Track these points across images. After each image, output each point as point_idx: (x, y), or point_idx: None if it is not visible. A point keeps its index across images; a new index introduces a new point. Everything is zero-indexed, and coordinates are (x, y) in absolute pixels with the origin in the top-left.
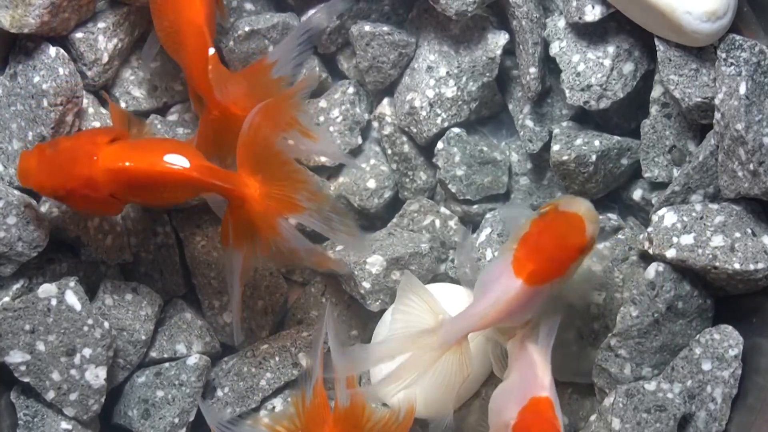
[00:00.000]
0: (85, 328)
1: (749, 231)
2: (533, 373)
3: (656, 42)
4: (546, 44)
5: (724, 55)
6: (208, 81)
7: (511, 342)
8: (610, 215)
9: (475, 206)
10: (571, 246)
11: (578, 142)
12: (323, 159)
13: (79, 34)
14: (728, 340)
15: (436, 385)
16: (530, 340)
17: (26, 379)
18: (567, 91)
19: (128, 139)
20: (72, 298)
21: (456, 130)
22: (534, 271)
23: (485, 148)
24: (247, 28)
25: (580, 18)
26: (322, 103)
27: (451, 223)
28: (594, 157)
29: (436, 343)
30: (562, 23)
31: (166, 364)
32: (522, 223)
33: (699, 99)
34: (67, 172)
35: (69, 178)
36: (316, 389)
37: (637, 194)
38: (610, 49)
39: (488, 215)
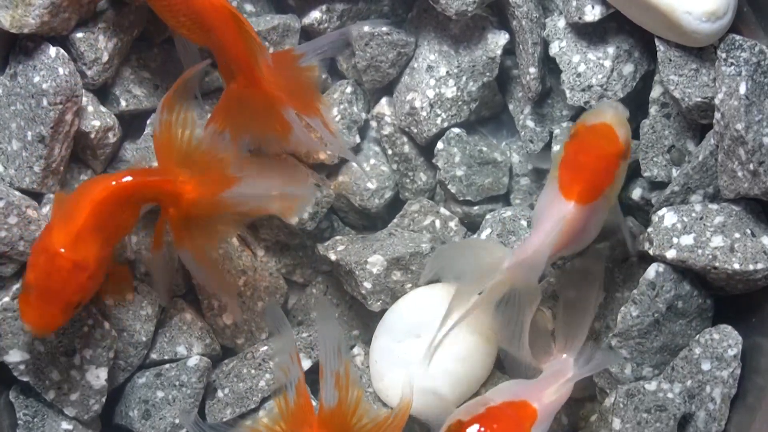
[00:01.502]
0: (85, 329)
1: (749, 231)
2: (546, 387)
3: (656, 42)
4: (546, 44)
5: (724, 55)
6: (246, 54)
7: (552, 362)
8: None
9: (476, 207)
10: (609, 156)
11: None
12: (322, 157)
13: (79, 34)
14: (728, 340)
15: (507, 322)
16: (565, 364)
17: (25, 378)
18: (567, 92)
19: None
20: None
21: (456, 130)
22: (582, 190)
23: (485, 149)
24: None
25: (580, 18)
26: None
27: (452, 224)
28: None
29: (506, 278)
30: (561, 23)
31: (167, 366)
32: (556, 152)
33: (699, 99)
34: None
35: None
36: (298, 389)
37: (636, 194)
38: (611, 50)
39: (488, 216)
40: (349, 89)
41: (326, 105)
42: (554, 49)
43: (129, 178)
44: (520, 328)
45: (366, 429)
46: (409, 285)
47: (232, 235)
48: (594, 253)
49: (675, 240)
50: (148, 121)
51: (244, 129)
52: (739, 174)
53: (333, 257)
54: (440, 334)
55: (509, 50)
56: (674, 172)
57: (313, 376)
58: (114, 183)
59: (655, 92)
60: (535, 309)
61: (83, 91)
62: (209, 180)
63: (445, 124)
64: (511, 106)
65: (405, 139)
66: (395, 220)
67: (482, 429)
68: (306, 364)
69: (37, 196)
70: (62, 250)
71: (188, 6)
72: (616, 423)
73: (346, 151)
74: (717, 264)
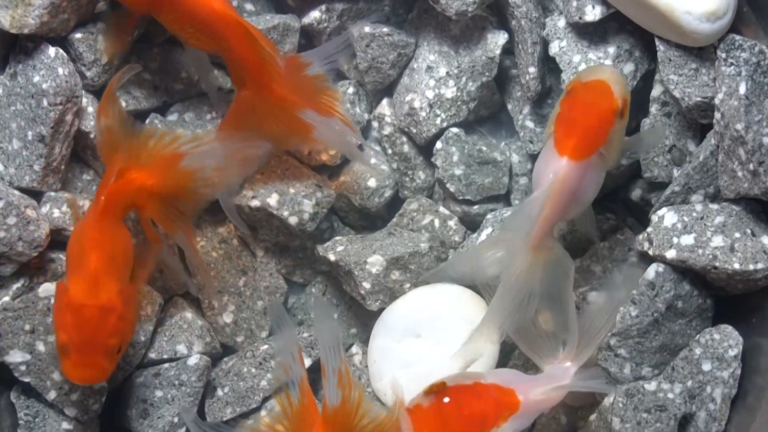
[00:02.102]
0: None
1: (749, 231)
2: (538, 385)
3: (656, 42)
4: (545, 44)
5: (724, 55)
6: (256, 61)
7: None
8: (609, 215)
9: (476, 207)
10: (603, 112)
11: None
12: (324, 158)
13: (78, 35)
14: (728, 340)
15: (550, 299)
16: (565, 372)
17: (27, 379)
18: None
19: None
20: None
21: (455, 129)
22: (576, 146)
23: (484, 148)
24: None
25: (580, 18)
26: None
27: (451, 222)
28: None
29: (532, 254)
30: (561, 23)
31: (166, 365)
32: (554, 110)
33: (699, 99)
34: None
35: None
36: (302, 388)
37: (636, 194)
38: (611, 50)
39: (489, 215)
40: (350, 90)
41: (340, 101)
42: (554, 48)
43: (102, 198)
44: (566, 300)
45: (368, 429)
46: (408, 285)
47: (209, 198)
48: (624, 283)
49: (675, 240)
50: (147, 121)
51: (258, 134)
52: (739, 174)
53: (332, 258)
54: (490, 332)
55: (508, 50)
56: (675, 173)
57: (312, 375)
58: (96, 212)
59: (656, 91)
60: (572, 276)
61: (83, 92)
62: (161, 160)
63: (445, 124)
64: (509, 106)
65: (404, 139)
66: (394, 220)
67: (460, 399)
68: (306, 363)
69: (36, 195)
70: (84, 300)
71: (195, 17)
72: (616, 423)
73: (361, 156)
74: (717, 264)
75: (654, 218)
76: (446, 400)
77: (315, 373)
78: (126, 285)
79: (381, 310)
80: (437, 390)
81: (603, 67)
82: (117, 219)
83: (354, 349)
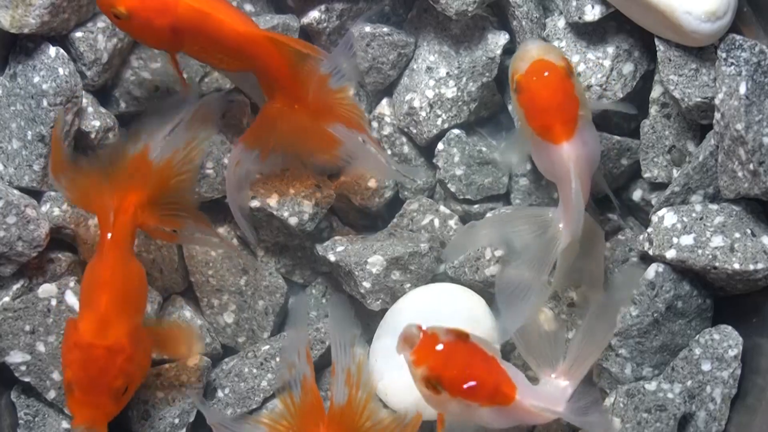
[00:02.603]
0: None
1: (749, 231)
2: (535, 399)
3: (656, 42)
4: None
5: (724, 55)
6: (290, 75)
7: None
8: (610, 215)
9: (476, 206)
10: (560, 83)
11: None
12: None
13: (78, 34)
14: (728, 340)
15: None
16: (561, 395)
17: (27, 379)
18: None
19: None
20: (72, 299)
21: (456, 131)
22: (563, 128)
23: (484, 149)
24: None
25: (579, 18)
26: None
27: (451, 222)
28: None
29: (569, 238)
30: (561, 23)
31: (166, 365)
32: (518, 113)
33: (699, 99)
34: None
35: None
36: (305, 386)
37: (636, 195)
38: (610, 50)
39: (489, 214)
40: (351, 91)
41: (366, 121)
42: None
43: (109, 235)
44: (599, 269)
45: (375, 430)
46: (408, 285)
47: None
48: (624, 285)
49: (675, 240)
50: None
51: (282, 148)
52: (739, 174)
53: (332, 258)
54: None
55: (509, 50)
56: (675, 173)
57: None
58: (105, 249)
59: (656, 92)
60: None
61: (83, 92)
62: (130, 173)
63: (446, 125)
64: (510, 107)
65: (404, 139)
66: (394, 220)
67: (471, 359)
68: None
69: (36, 194)
70: (92, 340)
71: (221, 44)
72: (616, 423)
73: (393, 172)
74: (717, 264)
75: (654, 218)
76: (460, 349)
77: (319, 371)
78: (138, 324)
79: (383, 310)
80: (459, 335)
81: (527, 47)
82: (127, 251)
83: (356, 350)
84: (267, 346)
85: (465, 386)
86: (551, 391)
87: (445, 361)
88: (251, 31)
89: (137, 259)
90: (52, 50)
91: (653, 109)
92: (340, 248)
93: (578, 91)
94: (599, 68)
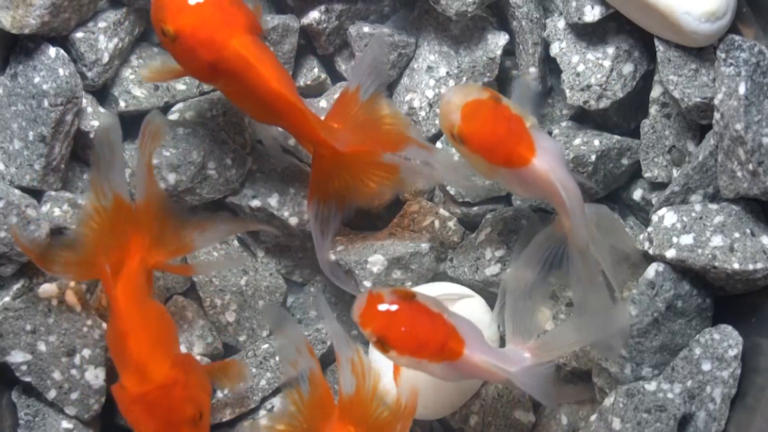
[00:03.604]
0: (85, 329)
1: (748, 231)
2: (488, 355)
3: (656, 42)
4: (546, 45)
5: (723, 56)
6: (315, 132)
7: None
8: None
9: (475, 208)
10: (495, 113)
11: (577, 141)
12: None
13: (79, 34)
14: (728, 340)
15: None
16: (519, 361)
17: (27, 379)
18: (567, 91)
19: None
20: (72, 299)
21: None
22: (522, 151)
23: None
24: None
25: (579, 18)
26: (322, 103)
27: (450, 223)
28: (593, 157)
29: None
30: (561, 24)
31: None
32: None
33: (698, 99)
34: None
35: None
36: (314, 380)
37: (637, 194)
38: (610, 50)
39: (488, 215)
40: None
41: (407, 123)
42: (555, 49)
43: (119, 288)
44: (629, 241)
45: (384, 416)
46: (409, 283)
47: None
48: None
49: (675, 240)
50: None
51: (348, 194)
52: (739, 174)
53: (332, 257)
54: None
55: (509, 51)
56: (675, 173)
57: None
58: (119, 301)
59: (655, 92)
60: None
61: (83, 92)
62: (115, 224)
63: None
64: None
65: None
66: (395, 220)
67: (415, 317)
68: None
69: (37, 194)
70: (142, 389)
71: (253, 93)
72: (616, 423)
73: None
74: (717, 264)
75: (654, 218)
76: (405, 308)
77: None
78: (177, 354)
79: None
80: (405, 295)
81: (448, 100)
82: (141, 297)
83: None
84: (266, 345)
85: (410, 345)
86: (509, 354)
87: (389, 322)
88: (283, 94)
89: (154, 300)
90: (53, 51)
91: (653, 109)
92: (340, 247)
93: (514, 108)
94: (599, 68)
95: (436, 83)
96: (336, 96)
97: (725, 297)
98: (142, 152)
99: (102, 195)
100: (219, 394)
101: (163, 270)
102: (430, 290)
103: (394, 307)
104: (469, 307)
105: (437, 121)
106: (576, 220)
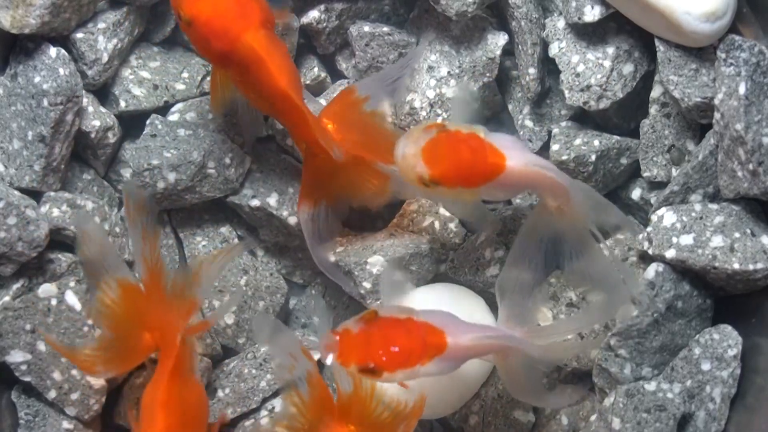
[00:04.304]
0: (85, 329)
1: (748, 231)
2: (471, 332)
3: (656, 42)
4: (545, 45)
5: (723, 56)
6: (310, 132)
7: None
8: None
9: None
10: (454, 145)
11: (577, 141)
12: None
13: (79, 34)
14: (727, 340)
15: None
16: (508, 338)
17: (27, 379)
18: (566, 92)
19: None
20: (72, 299)
21: None
22: (488, 167)
23: None
24: None
25: (579, 18)
26: (322, 101)
27: (451, 225)
28: (593, 157)
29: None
30: (561, 24)
31: None
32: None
33: (698, 99)
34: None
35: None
36: (311, 381)
37: (636, 194)
38: (610, 50)
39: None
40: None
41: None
42: (554, 50)
43: (168, 364)
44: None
45: (384, 416)
46: (408, 285)
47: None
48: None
49: (674, 240)
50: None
51: (338, 197)
52: (739, 174)
53: (332, 258)
54: None
55: (509, 51)
56: (674, 172)
57: None
58: (165, 374)
59: (655, 92)
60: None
61: (83, 92)
62: (139, 305)
63: None
64: (510, 107)
65: None
66: (394, 221)
67: (388, 332)
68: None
69: (36, 195)
70: None
71: (260, 86)
72: (616, 423)
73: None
74: (717, 264)
75: (653, 218)
76: (375, 330)
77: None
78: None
79: None
80: (368, 318)
81: (404, 153)
82: (186, 377)
83: None
84: (266, 347)
85: (396, 361)
86: (500, 331)
87: (366, 349)
88: (288, 93)
89: (198, 382)
90: (53, 50)
91: (653, 109)
92: (339, 248)
93: (465, 128)
94: (599, 69)
95: (437, 83)
96: (334, 95)
97: (725, 297)
98: (133, 226)
99: (108, 287)
100: (220, 393)
101: (189, 334)
102: (429, 291)
103: (363, 334)
104: (469, 308)
105: (437, 121)
106: (576, 193)
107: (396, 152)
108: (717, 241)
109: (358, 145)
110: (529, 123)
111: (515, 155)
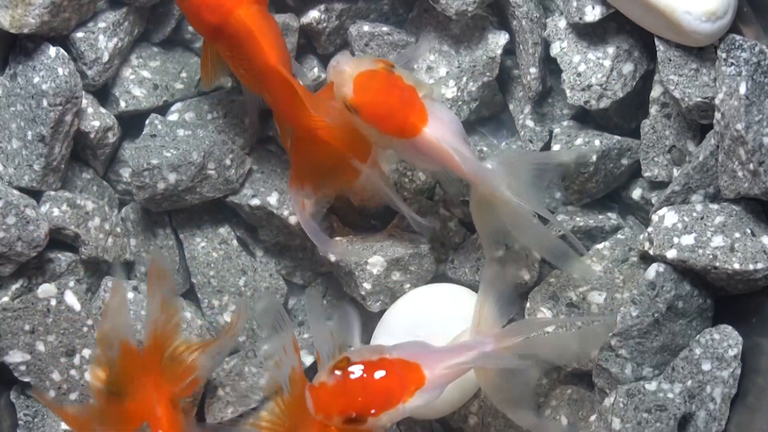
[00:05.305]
0: (85, 329)
1: (749, 231)
2: (446, 359)
3: (656, 42)
4: (546, 44)
5: (724, 55)
6: (297, 112)
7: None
8: (610, 215)
9: None
10: (388, 83)
11: (578, 141)
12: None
13: (79, 34)
14: (728, 340)
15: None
16: (481, 346)
17: (26, 379)
18: (567, 91)
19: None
20: (71, 299)
21: None
22: (411, 120)
23: (485, 149)
24: None
25: (580, 18)
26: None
27: (451, 224)
28: (594, 157)
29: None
30: (562, 23)
31: None
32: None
33: (699, 99)
34: None
35: None
36: (293, 377)
37: (636, 194)
38: (610, 50)
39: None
40: None
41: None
42: (555, 49)
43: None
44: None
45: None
46: (408, 285)
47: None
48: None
49: (675, 240)
50: (147, 122)
51: (321, 183)
52: (740, 174)
53: (332, 258)
54: None
55: (509, 50)
56: (675, 172)
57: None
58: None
59: (656, 92)
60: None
61: (83, 92)
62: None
63: None
64: (511, 106)
65: None
66: (394, 221)
67: (364, 375)
68: (308, 360)
69: (36, 194)
70: None
71: (250, 62)
72: (616, 423)
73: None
74: (717, 264)
75: (654, 218)
76: (350, 377)
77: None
78: None
79: (381, 312)
80: (341, 367)
81: (339, 70)
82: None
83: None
84: (266, 346)
85: (378, 403)
86: (469, 344)
87: (345, 401)
88: (278, 69)
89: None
90: (52, 50)
91: (653, 109)
92: (334, 257)
93: (408, 78)
94: (599, 68)
95: (436, 83)
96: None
97: (726, 297)
98: (152, 294)
99: (108, 344)
100: (220, 392)
101: (180, 397)
102: (429, 291)
103: (339, 384)
104: (469, 308)
105: (388, 59)
106: (492, 180)
107: (336, 63)
108: (717, 241)
109: (338, 138)
110: (530, 123)
111: (438, 128)
